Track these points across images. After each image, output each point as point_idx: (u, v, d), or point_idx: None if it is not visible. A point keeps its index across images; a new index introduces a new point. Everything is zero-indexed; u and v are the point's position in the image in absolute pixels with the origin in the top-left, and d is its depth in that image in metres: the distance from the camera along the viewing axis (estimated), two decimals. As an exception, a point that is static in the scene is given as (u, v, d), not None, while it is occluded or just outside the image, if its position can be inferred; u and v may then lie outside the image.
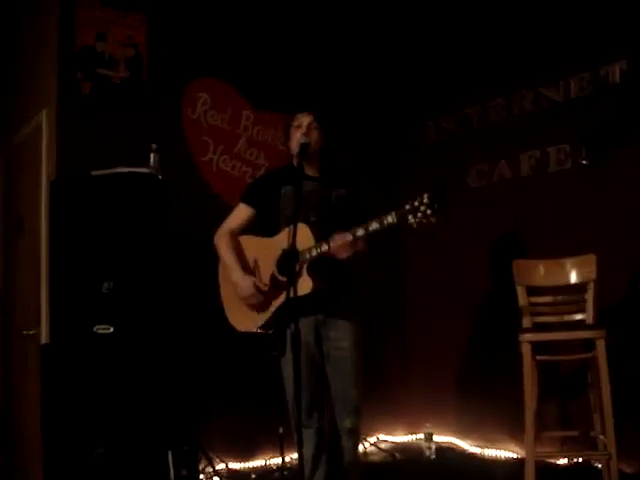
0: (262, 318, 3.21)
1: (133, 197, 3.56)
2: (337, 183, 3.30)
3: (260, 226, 3.34)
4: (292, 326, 2.63)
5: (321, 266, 3.04)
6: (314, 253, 2.98)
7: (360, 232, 2.89)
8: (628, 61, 4.00)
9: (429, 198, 2.64)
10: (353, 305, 3.30)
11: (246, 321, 3.29)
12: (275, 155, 4.85)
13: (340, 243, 2.91)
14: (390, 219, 2.80)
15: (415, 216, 2.66)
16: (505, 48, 4.72)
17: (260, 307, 3.21)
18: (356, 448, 3.40)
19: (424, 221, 2.65)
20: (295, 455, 2.86)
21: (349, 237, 2.91)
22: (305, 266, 3.00)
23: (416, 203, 2.66)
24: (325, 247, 2.96)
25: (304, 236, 2.97)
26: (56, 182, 3.64)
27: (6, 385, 4.71)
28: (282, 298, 3.09)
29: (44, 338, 3.84)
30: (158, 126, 4.25)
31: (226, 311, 3.38)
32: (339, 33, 5.17)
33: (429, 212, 2.63)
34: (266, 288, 3.17)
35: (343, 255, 2.95)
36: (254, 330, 3.27)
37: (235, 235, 3.36)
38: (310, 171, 3.28)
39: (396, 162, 5.46)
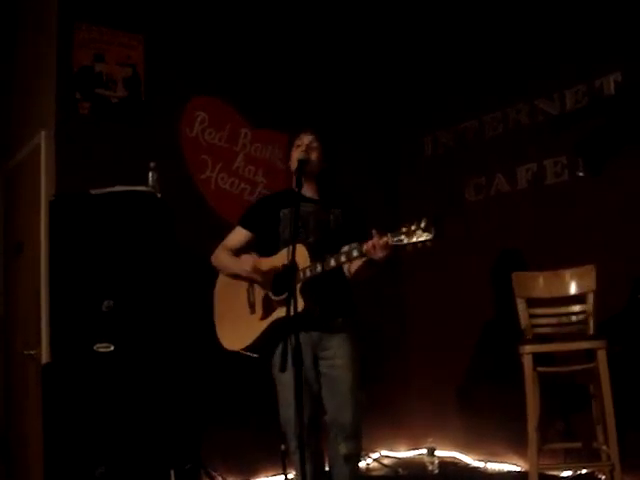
0: (249, 338, 3.16)
1: (132, 215, 3.57)
2: (336, 205, 3.27)
3: (260, 249, 3.28)
4: (292, 341, 2.62)
5: (315, 287, 2.98)
6: (308, 274, 2.93)
7: (355, 253, 2.84)
8: (622, 72, 4.05)
9: (426, 222, 2.61)
10: (350, 323, 3.21)
11: (234, 340, 3.25)
12: (273, 172, 4.88)
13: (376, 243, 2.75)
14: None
15: (410, 240, 2.64)
16: (500, 62, 4.76)
17: (249, 328, 3.18)
18: (354, 474, 3.20)
19: (419, 245, 2.63)
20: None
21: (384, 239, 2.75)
22: (298, 286, 2.93)
23: (413, 227, 2.64)
24: (343, 258, 2.87)
25: (301, 256, 2.93)
26: (55, 201, 3.64)
27: (7, 405, 4.69)
28: (270, 320, 3.10)
29: (45, 358, 3.83)
30: (156, 145, 4.28)
31: (217, 327, 3.36)
32: (336, 50, 5.21)
33: (425, 237, 2.60)
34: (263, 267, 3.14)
35: (380, 254, 2.78)
36: (238, 350, 3.21)
37: (233, 253, 3.34)
38: (309, 193, 3.26)
39: (394, 177, 5.48)
